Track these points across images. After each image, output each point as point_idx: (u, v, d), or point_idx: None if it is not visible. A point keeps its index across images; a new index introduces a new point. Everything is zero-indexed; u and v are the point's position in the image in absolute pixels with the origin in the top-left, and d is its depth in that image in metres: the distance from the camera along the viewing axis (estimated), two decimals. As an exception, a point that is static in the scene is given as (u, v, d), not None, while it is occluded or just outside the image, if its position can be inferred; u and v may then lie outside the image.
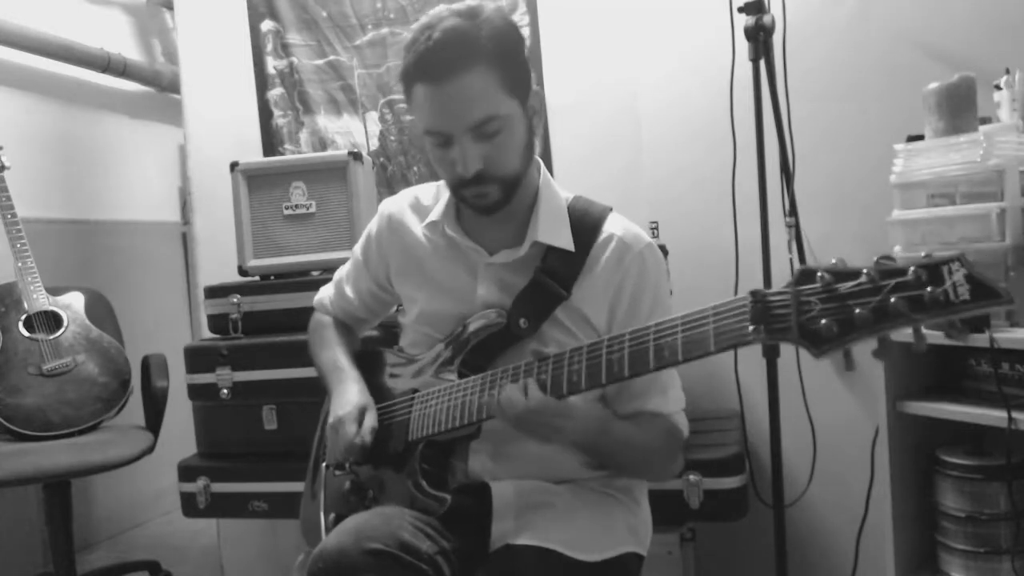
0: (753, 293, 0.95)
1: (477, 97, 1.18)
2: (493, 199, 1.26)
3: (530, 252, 1.31)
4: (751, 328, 0.94)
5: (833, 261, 0.91)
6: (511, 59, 1.22)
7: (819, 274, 0.90)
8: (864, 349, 0.90)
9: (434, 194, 1.43)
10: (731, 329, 0.97)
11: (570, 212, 1.33)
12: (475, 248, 1.34)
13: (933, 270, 0.84)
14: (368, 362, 1.51)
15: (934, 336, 1.52)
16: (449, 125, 1.21)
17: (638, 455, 1.28)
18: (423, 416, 1.31)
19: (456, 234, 1.34)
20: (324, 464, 1.48)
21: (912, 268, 0.85)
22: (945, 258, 0.84)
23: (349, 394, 1.39)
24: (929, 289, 0.83)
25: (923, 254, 0.86)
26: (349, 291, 1.57)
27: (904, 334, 0.89)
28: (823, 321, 0.88)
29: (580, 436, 1.20)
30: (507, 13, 1.28)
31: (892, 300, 0.85)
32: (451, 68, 1.17)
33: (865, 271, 0.88)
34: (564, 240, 1.30)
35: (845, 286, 0.88)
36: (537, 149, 1.35)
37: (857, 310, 0.86)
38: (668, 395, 1.32)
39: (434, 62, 1.18)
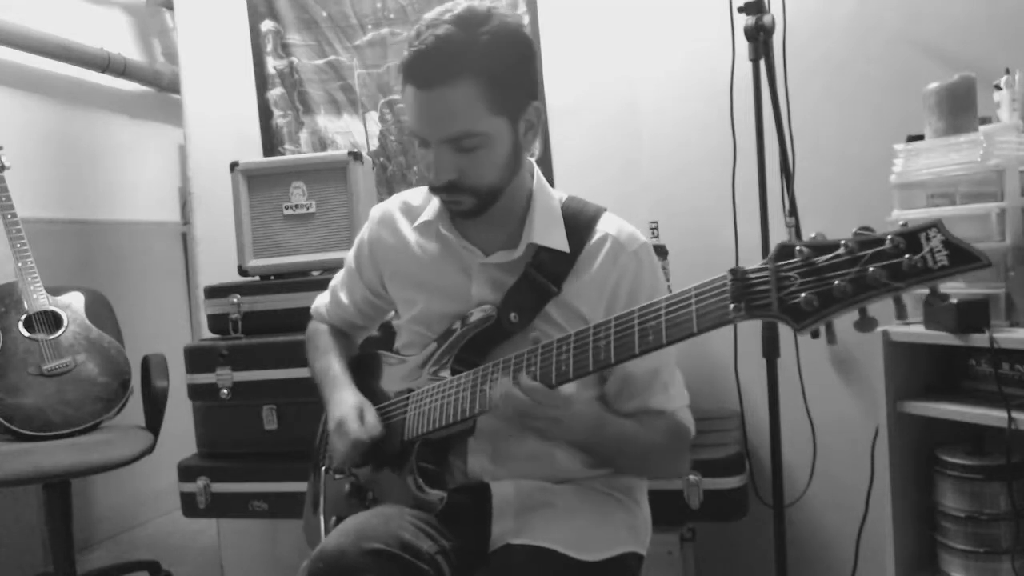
0: (732, 271, 0.95)
1: (456, 112, 1.17)
2: (466, 207, 1.26)
3: (525, 254, 1.31)
4: (732, 306, 0.94)
5: (813, 235, 0.90)
6: (504, 76, 1.19)
7: (798, 248, 0.90)
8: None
9: (425, 195, 1.43)
10: (713, 308, 0.97)
11: (563, 212, 1.33)
12: (470, 248, 1.34)
13: (911, 237, 0.84)
14: (363, 364, 1.51)
15: (934, 336, 1.53)
16: (426, 132, 1.21)
17: (638, 452, 1.28)
18: (418, 415, 1.31)
19: (451, 234, 1.34)
20: (323, 468, 1.48)
21: (889, 237, 0.85)
22: (922, 225, 0.84)
23: (345, 398, 1.39)
24: (907, 256, 0.83)
25: (900, 222, 0.86)
26: (344, 299, 1.56)
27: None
28: (803, 295, 0.88)
29: (578, 434, 1.20)
30: (518, 21, 1.23)
31: (871, 270, 0.84)
32: (435, 77, 1.16)
33: (843, 242, 0.87)
34: (559, 241, 1.30)
35: (823, 259, 0.88)
36: (537, 151, 1.35)
37: (836, 282, 0.86)
38: (670, 392, 1.32)
39: (421, 67, 1.17)
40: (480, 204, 1.26)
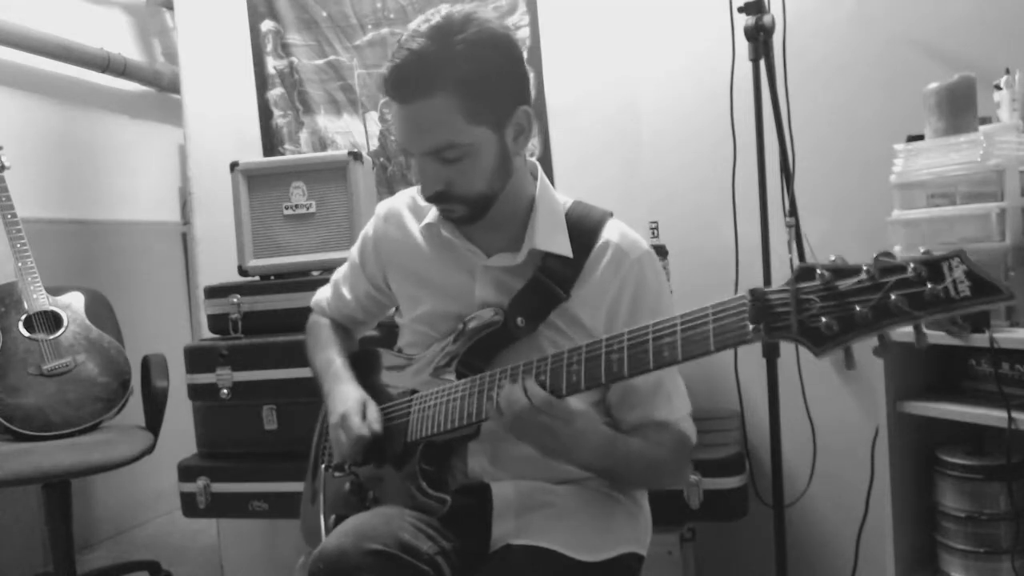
0: (752, 292, 0.94)
1: (434, 125, 1.17)
2: (459, 215, 1.27)
3: (528, 259, 1.30)
4: (751, 327, 0.94)
5: (832, 258, 0.90)
6: (482, 85, 1.18)
7: (818, 272, 0.89)
8: (864, 347, 0.90)
9: None
10: (731, 328, 0.96)
11: (568, 218, 1.32)
12: (472, 250, 1.33)
13: (933, 266, 0.83)
14: (366, 362, 1.51)
15: (935, 336, 1.52)
16: (409, 145, 1.22)
17: (645, 468, 1.28)
18: (422, 417, 1.31)
19: (453, 236, 1.34)
20: (323, 466, 1.48)
21: (912, 265, 0.84)
22: (945, 255, 0.83)
23: (347, 392, 1.39)
24: (929, 286, 0.83)
25: (922, 250, 0.85)
26: (346, 293, 1.56)
27: (905, 333, 0.89)
28: (823, 319, 0.88)
29: (586, 454, 1.19)
30: (499, 27, 1.22)
31: (892, 297, 0.84)
32: (411, 92, 1.17)
33: (865, 268, 0.87)
34: (562, 247, 1.29)
35: (845, 283, 0.88)
36: (537, 151, 1.34)
37: (857, 308, 0.86)
38: (673, 402, 1.31)
39: (396, 82, 1.18)
40: (472, 212, 1.26)
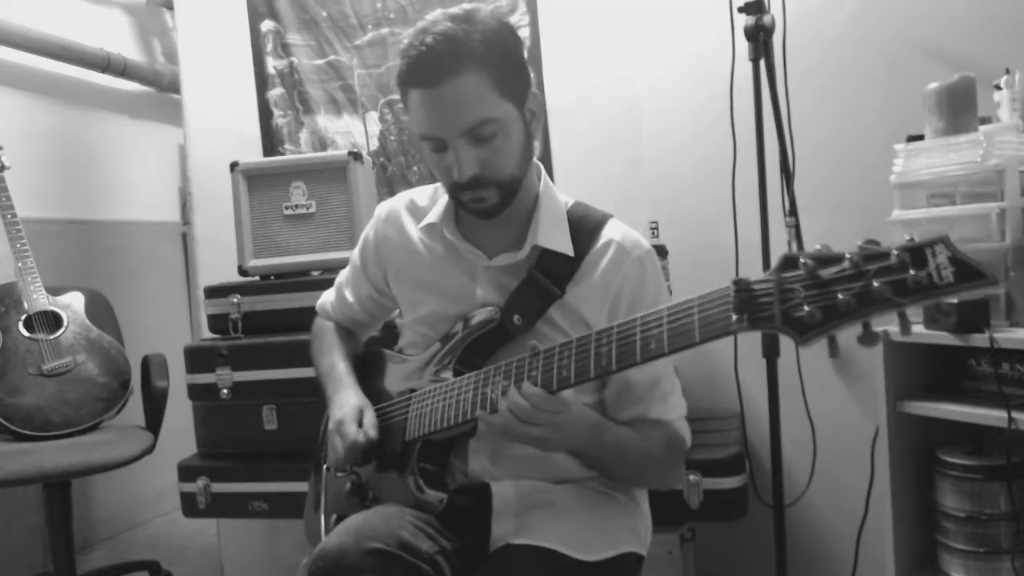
0: (736, 282, 0.94)
1: (470, 100, 1.18)
2: (491, 203, 1.26)
3: (529, 256, 1.31)
4: (735, 317, 0.94)
5: (817, 247, 0.90)
6: (505, 62, 1.21)
7: (802, 260, 0.89)
8: (854, 341, 0.90)
9: (431, 196, 1.43)
10: (715, 319, 0.97)
11: (569, 217, 1.33)
12: (474, 252, 1.34)
13: (916, 253, 0.83)
14: (367, 363, 1.51)
15: (935, 336, 1.53)
16: (443, 129, 1.21)
17: (636, 460, 1.28)
18: (419, 416, 1.31)
19: (455, 238, 1.34)
20: (325, 466, 1.48)
21: (895, 252, 0.84)
22: (928, 240, 0.83)
23: (345, 399, 1.39)
24: (912, 272, 0.82)
25: (907, 237, 0.85)
26: (349, 296, 1.57)
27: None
28: (806, 308, 0.87)
29: (577, 438, 1.20)
30: (503, 16, 1.26)
31: (875, 284, 0.84)
32: (444, 72, 1.17)
33: (848, 256, 0.87)
34: (563, 244, 1.30)
35: (828, 272, 0.87)
36: (537, 151, 1.35)
37: (840, 296, 0.85)
38: (669, 402, 1.32)
39: (427, 66, 1.18)
40: (504, 197, 1.26)
